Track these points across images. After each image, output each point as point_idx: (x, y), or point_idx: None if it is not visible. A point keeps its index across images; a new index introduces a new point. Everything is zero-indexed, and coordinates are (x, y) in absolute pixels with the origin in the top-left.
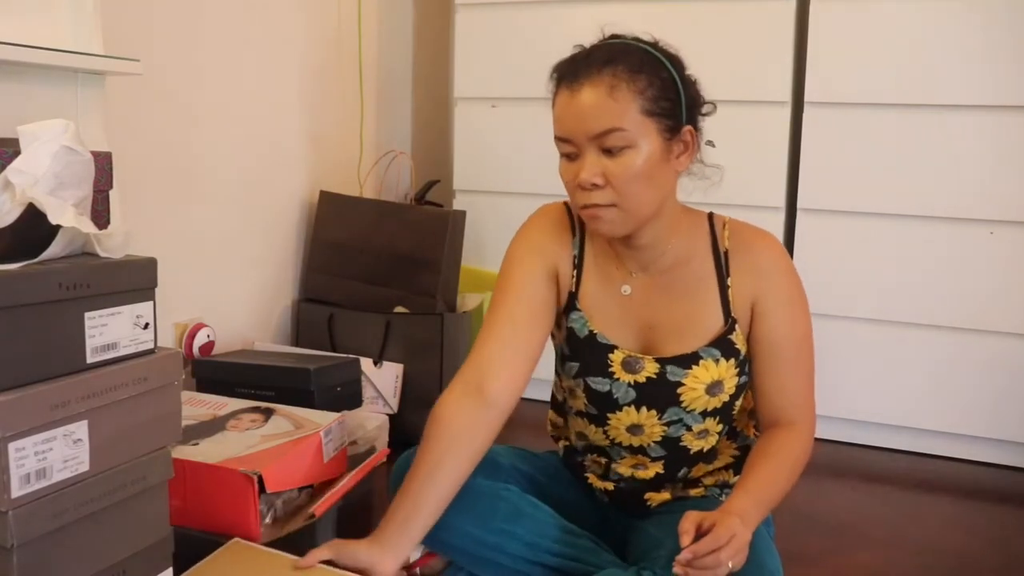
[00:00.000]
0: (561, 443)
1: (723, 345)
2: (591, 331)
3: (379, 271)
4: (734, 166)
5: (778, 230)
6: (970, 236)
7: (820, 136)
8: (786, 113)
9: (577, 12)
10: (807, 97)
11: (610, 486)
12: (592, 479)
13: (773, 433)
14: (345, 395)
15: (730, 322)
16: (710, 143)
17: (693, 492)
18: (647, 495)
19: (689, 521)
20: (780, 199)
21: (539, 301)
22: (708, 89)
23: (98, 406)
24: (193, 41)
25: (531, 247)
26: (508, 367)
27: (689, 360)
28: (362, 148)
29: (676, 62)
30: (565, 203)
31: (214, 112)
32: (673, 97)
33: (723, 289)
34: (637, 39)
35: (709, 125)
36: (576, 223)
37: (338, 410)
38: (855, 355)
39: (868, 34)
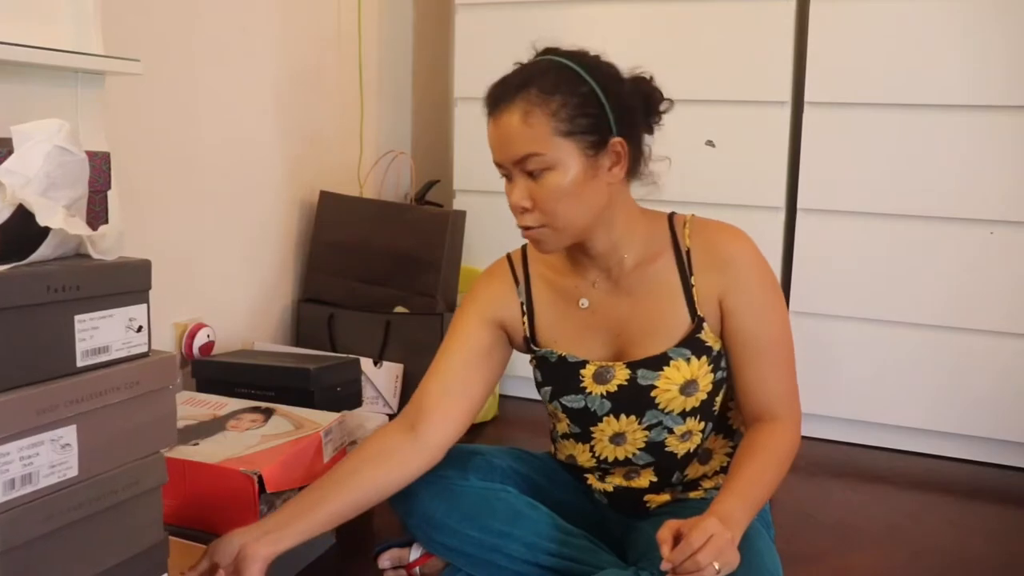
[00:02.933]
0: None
1: (693, 344)
2: (560, 355)
3: (379, 271)
4: (734, 166)
5: (778, 230)
6: (970, 236)
7: (820, 136)
8: (786, 113)
9: (577, 12)
10: (807, 97)
11: (609, 487)
12: (591, 480)
13: (757, 429)
14: (345, 395)
15: (697, 320)
16: (710, 143)
17: (692, 495)
18: (646, 497)
19: (667, 530)
20: (780, 199)
21: (478, 350)
22: (708, 89)
23: (88, 410)
24: (193, 41)
25: (473, 304)
26: (442, 409)
27: (659, 361)
28: (362, 148)
29: (602, 73)
30: (508, 255)
31: (214, 112)
32: (594, 112)
33: (687, 288)
34: (561, 54)
35: (710, 124)
36: (518, 270)
37: (338, 410)
38: (855, 355)
39: (868, 34)
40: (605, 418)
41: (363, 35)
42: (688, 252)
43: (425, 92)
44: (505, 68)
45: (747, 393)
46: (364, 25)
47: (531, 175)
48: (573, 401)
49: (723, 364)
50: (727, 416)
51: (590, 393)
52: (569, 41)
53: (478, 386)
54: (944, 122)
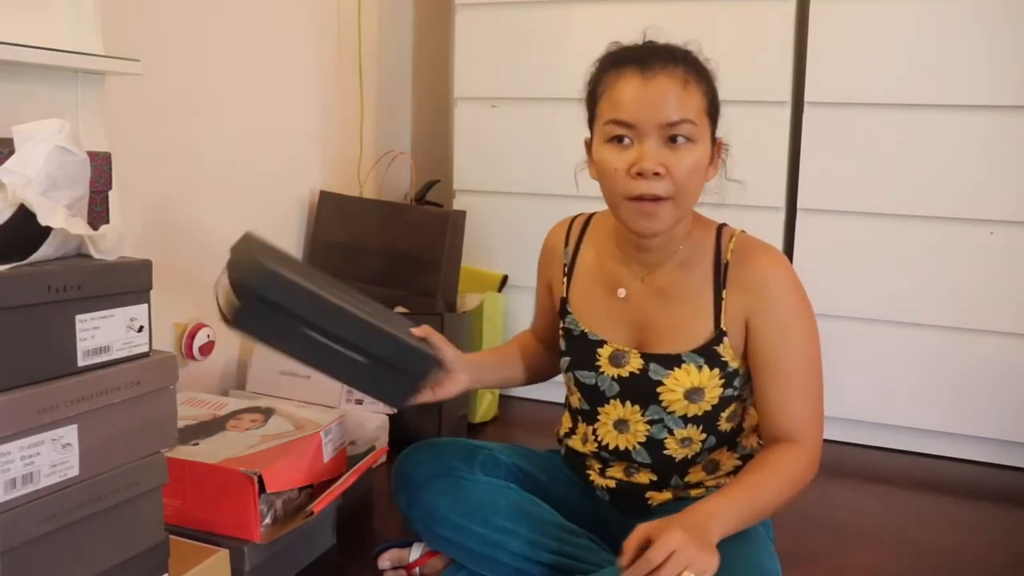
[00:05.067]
0: (565, 441)
1: (708, 354)
2: (583, 330)
3: (379, 271)
4: (734, 166)
5: (778, 230)
6: (970, 236)
7: (820, 136)
8: (786, 113)
9: (577, 12)
10: (807, 97)
11: (611, 483)
12: (593, 476)
13: (773, 446)
14: None
15: (718, 333)
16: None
17: (694, 492)
18: (648, 494)
19: (634, 539)
20: (780, 199)
21: (550, 310)
22: None
23: (88, 410)
24: (193, 41)
25: (538, 270)
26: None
27: (672, 361)
28: (362, 148)
29: (715, 78)
30: (573, 217)
31: (214, 112)
32: (718, 107)
33: (717, 300)
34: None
35: None
36: (573, 234)
37: None
38: (855, 355)
39: (868, 34)
40: (612, 400)
41: (363, 35)
42: (726, 266)
43: (425, 92)
44: (505, 68)
45: (766, 415)
46: (364, 25)
47: (670, 143)
48: (586, 377)
49: (736, 383)
50: (738, 437)
51: (603, 373)
52: (568, 41)
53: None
54: (944, 122)
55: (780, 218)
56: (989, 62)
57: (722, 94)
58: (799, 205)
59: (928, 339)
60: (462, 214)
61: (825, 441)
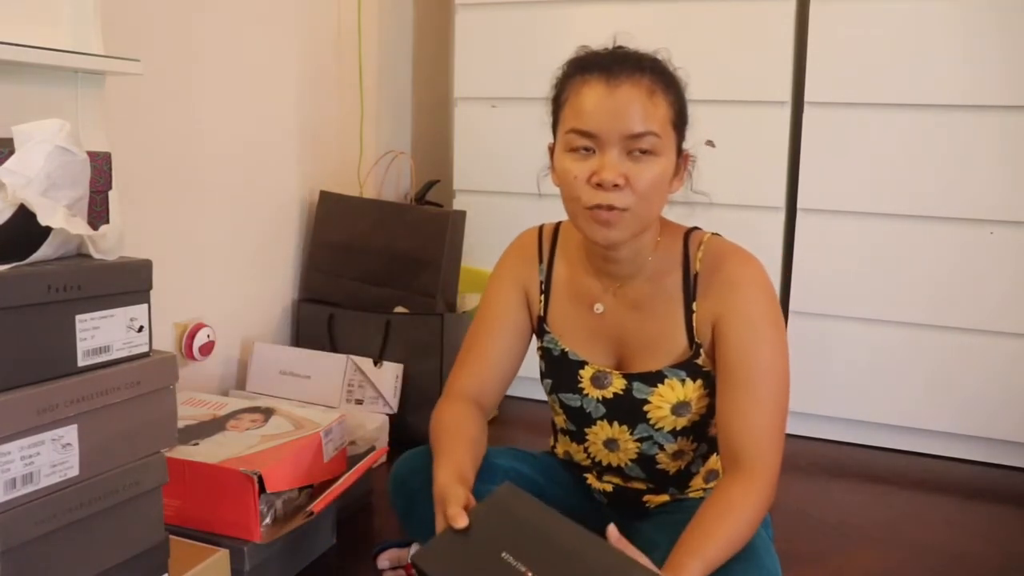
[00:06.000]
0: (556, 451)
1: (689, 367)
2: (563, 349)
3: (379, 271)
4: (734, 166)
5: (778, 230)
6: (970, 236)
7: (820, 136)
8: (786, 113)
9: (577, 12)
10: (807, 97)
11: (608, 487)
12: (591, 479)
13: (728, 484)
14: None
15: (695, 347)
16: (710, 143)
17: (692, 495)
18: (646, 497)
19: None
20: (780, 199)
21: (518, 332)
22: (708, 89)
23: (88, 410)
24: (193, 41)
25: (507, 276)
26: (497, 392)
27: (654, 378)
28: (362, 148)
29: (684, 88)
30: (540, 228)
31: (214, 112)
32: (686, 119)
33: (688, 313)
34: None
35: (710, 124)
36: (545, 248)
37: None
38: (855, 355)
39: (868, 34)
40: (599, 422)
41: (363, 35)
42: (696, 277)
43: (425, 92)
44: (505, 68)
45: (723, 427)
46: (364, 25)
47: (634, 154)
48: (570, 399)
49: None
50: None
51: (587, 395)
52: (568, 41)
53: (517, 363)
54: (944, 122)
55: (780, 218)
56: (988, 62)
57: (722, 94)
58: (799, 205)
59: (928, 339)
60: (462, 214)
61: (825, 441)
